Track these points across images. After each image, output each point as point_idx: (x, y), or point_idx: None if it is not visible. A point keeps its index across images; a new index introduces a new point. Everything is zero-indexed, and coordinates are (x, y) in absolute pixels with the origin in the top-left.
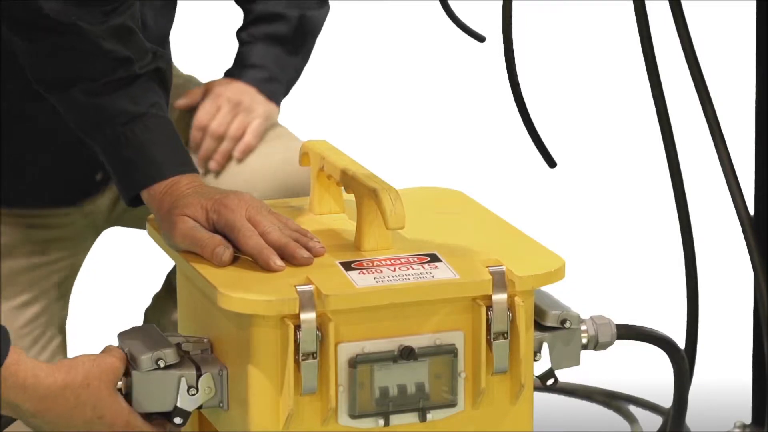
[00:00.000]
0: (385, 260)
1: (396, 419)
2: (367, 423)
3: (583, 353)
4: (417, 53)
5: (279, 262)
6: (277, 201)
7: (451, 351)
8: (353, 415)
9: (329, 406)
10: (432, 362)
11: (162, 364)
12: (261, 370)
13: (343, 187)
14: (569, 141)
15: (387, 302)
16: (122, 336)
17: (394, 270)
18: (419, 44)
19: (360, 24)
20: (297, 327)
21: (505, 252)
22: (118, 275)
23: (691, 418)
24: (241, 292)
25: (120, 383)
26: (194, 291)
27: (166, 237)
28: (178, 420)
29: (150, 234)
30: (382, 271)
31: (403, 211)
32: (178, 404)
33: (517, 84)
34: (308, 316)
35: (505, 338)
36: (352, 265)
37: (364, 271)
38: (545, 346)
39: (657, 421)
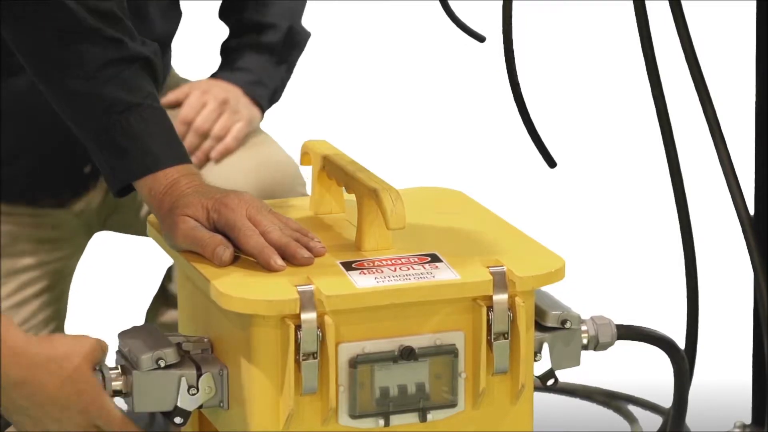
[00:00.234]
0: (386, 260)
1: (396, 419)
2: (367, 423)
3: (583, 353)
4: (417, 53)
5: (280, 262)
6: (278, 201)
7: (451, 351)
8: (353, 415)
9: (329, 406)
10: (432, 362)
11: (162, 363)
12: (261, 370)
13: (343, 187)
14: (569, 141)
15: (387, 302)
16: (122, 335)
17: (395, 270)
18: (419, 44)
19: (360, 24)
20: (297, 327)
21: (505, 252)
22: (119, 275)
23: (691, 418)
24: (241, 292)
25: (120, 383)
26: (195, 291)
27: (167, 237)
28: (178, 420)
29: (150, 234)
30: (382, 271)
31: (403, 211)
32: (179, 404)
33: (517, 84)
34: (309, 316)
35: (505, 338)
36: (353, 265)
37: (365, 271)
38: (545, 347)
39: (657, 421)
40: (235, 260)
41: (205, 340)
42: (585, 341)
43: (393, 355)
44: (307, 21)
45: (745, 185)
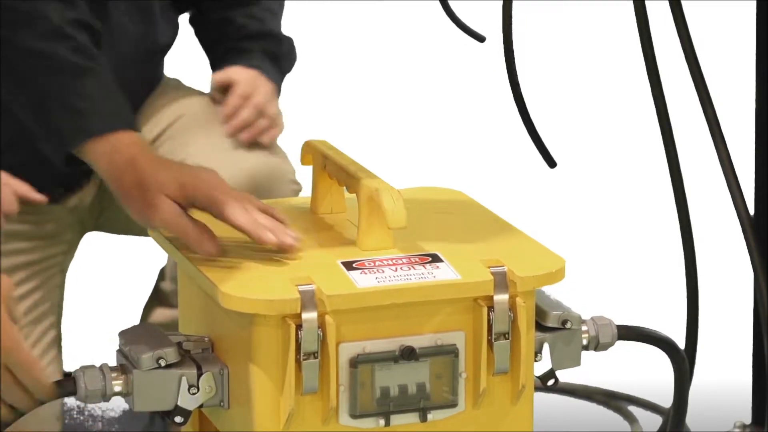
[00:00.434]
0: (387, 260)
1: (397, 419)
2: (367, 423)
3: (584, 353)
4: (417, 53)
5: (273, 238)
6: (278, 200)
7: (452, 351)
8: (354, 415)
9: (330, 405)
10: (433, 362)
11: (163, 363)
12: (262, 369)
13: (344, 187)
14: (569, 141)
15: (388, 302)
16: (123, 335)
17: (396, 270)
18: (419, 44)
19: (360, 24)
20: (298, 327)
21: (506, 252)
22: (117, 275)
23: (691, 418)
24: (242, 291)
25: (120, 382)
26: (195, 290)
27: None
28: (178, 419)
29: (150, 233)
30: (383, 271)
31: (404, 211)
32: (179, 403)
33: (517, 84)
34: (309, 316)
35: (506, 339)
36: (354, 265)
37: (366, 271)
38: (546, 347)
39: (657, 421)
40: (236, 260)
41: (206, 339)
42: (585, 341)
43: (394, 354)
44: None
45: (745, 185)
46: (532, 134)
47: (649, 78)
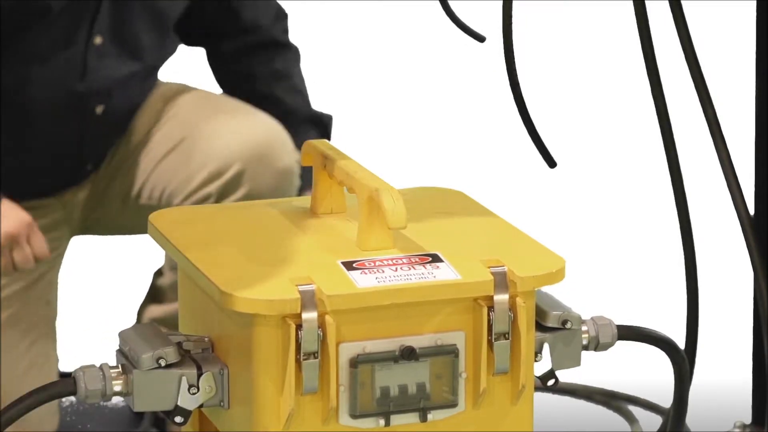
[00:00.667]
0: (387, 260)
1: (397, 419)
2: (367, 423)
3: (584, 353)
4: (417, 53)
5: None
6: (278, 200)
7: (452, 351)
8: (354, 415)
9: (330, 405)
10: (433, 362)
11: (163, 362)
12: (262, 369)
13: (345, 187)
14: (569, 141)
15: (388, 302)
16: (123, 334)
17: (396, 270)
18: (419, 44)
19: (360, 24)
20: (298, 326)
21: (506, 252)
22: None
23: (691, 418)
24: (242, 291)
25: (120, 382)
26: (195, 290)
27: None
28: (178, 419)
29: (150, 233)
30: (383, 271)
31: (404, 211)
32: (179, 403)
33: (517, 84)
34: (309, 316)
35: (506, 339)
36: (354, 265)
37: (366, 271)
38: (546, 347)
39: (657, 421)
40: (236, 260)
41: (206, 339)
42: (585, 342)
43: (394, 354)
44: (308, 21)
45: (745, 185)
46: (532, 134)
47: (649, 78)
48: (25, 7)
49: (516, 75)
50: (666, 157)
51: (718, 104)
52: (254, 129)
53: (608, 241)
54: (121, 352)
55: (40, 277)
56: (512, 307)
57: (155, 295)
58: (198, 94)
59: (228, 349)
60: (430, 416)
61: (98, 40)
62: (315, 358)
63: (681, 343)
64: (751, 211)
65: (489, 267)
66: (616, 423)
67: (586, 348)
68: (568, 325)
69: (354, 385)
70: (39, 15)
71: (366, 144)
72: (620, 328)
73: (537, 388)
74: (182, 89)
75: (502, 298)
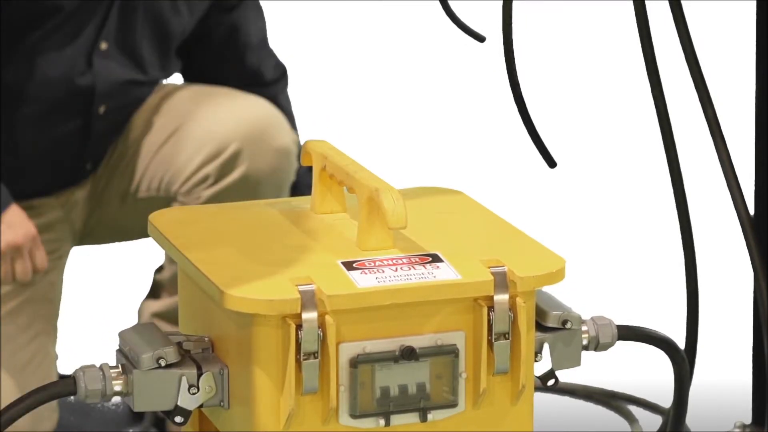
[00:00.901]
0: (387, 260)
1: (397, 419)
2: (367, 423)
3: (584, 353)
4: (417, 53)
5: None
6: (278, 200)
7: (452, 351)
8: (354, 415)
9: (330, 405)
10: (433, 362)
11: (163, 362)
12: (262, 369)
13: (345, 187)
14: (569, 141)
15: (388, 302)
16: (122, 334)
17: (396, 270)
18: (419, 44)
19: (360, 24)
20: (298, 327)
21: (506, 252)
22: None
23: (691, 418)
24: (242, 291)
25: (120, 382)
26: (195, 290)
27: None
28: (178, 419)
29: (150, 233)
30: (383, 271)
31: (404, 211)
32: (179, 403)
33: (517, 84)
34: (309, 316)
35: (506, 339)
36: (354, 265)
37: (366, 271)
38: (546, 347)
39: (657, 421)
40: (236, 259)
41: (206, 339)
42: (585, 342)
43: (394, 355)
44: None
45: (745, 185)
46: (532, 134)
47: (649, 78)
48: (38, 6)
49: (516, 75)
50: (666, 157)
51: (718, 104)
52: (250, 110)
53: (608, 241)
54: (121, 352)
55: (41, 277)
56: (512, 307)
57: (155, 290)
58: (193, 88)
59: (228, 349)
60: (430, 416)
61: (104, 45)
62: (315, 358)
63: (681, 343)
64: (751, 211)
65: (489, 267)
66: (616, 423)
67: (586, 348)
68: (568, 325)
69: (354, 385)
70: (50, 14)
71: (366, 144)
72: (620, 328)
73: (537, 388)
74: (179, 86)
75: (502, 298)
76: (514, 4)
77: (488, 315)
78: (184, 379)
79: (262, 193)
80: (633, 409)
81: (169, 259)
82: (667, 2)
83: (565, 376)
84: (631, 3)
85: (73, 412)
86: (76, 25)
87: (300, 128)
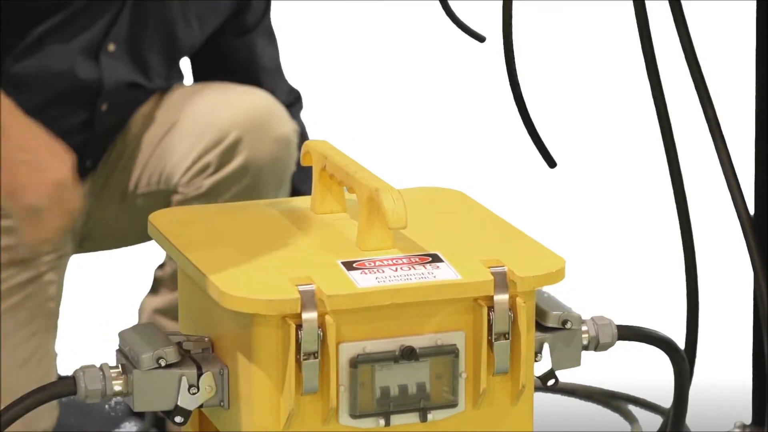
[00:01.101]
0: (387, 260)
1: (397, 419)
2: (367, 423)
3: (584, 353)
4: (417, 53)
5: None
6: (278, 200)
7: (452, 351)
8: (354, 415)
9: (330, 405)
10: (433, 362)
11: (163, 362)
12: (262, 369)
13: (345, 187)
14: (569, 141)
15: (388, 302)
16: (122, 334)
17: (396, 270)
18: (419, 44)
19: (360, 24)
20: (298, 326)
21: (506, 252)
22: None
23: (691, 418)
24: (242, 291)
25: (120, 382)
26: (195, 289)
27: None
28: (178, 419)
29: (150, 232)
30: (383, 271)
31: (404, 211)
32: (179, 403)
33: (517, 84)
34: (309, 316)
35: (506, 339)
36: (354, 265)
37: (366, 271)
38: (546, 347)
39: (657, 421)
40: (236, 259)
41: (206, 339)
42: (585, 342)
43: (394, 355)
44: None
45: (745, 185)
46: (532, 134)
47: (649, 78)
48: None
49: (516, 75)
50: (666, 157)
51: (718, 104)
52: (249, 99)
53: (608, 241)
54: (121, 352)
55: (41, 276)
56: (512, 307)
57: (157, 287)
58: (192, 85)
59: (228, 349)
60: (430, 416)
61: (112, 47)
62: (315, 358)
63: (681, 343)
64: (751, 211)
65: (489, 267)
66: (616, 423)
67: (586, 348)
68: (568, 325)
69: (354, 385)
70: (57, 7)
71: (366, 144)
72: (620, 328)
73: (537, 388)
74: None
75: (502, 298)
76: (514, 4)
77: (488, 315)
78: (184, 379)
79: (263, 182)
80: (633, 409)
81: (170, 256)
82: (667, 2)
83: (565, 376)
84: (631, 3)
85: (73, 412)
86: (84, 22)
87: None
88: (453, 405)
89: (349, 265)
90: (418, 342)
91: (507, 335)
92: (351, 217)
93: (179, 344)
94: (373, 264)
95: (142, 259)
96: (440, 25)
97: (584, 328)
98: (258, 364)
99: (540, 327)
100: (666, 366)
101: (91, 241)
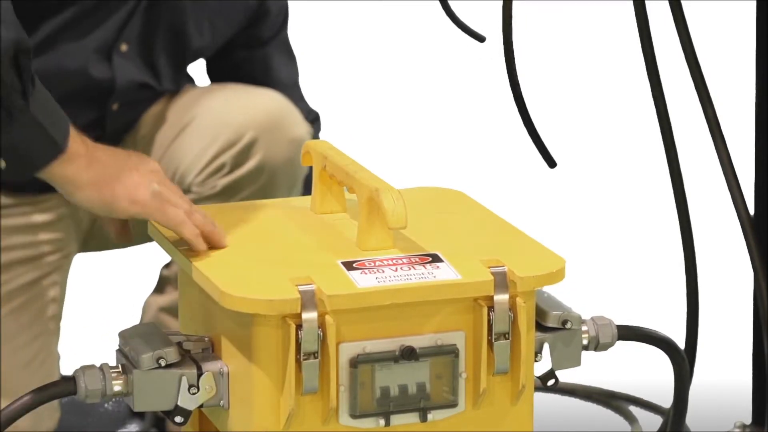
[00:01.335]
0: (387, 260)
1: (397, 419)
2: (367, 423)
3: (584, 353)
4: (417, 53)
5: (205, 247)
6: (278, 200)
7: (452, 351)
8: (354, 415)
9: (330, 405)
10: (433, 362)
11: (163, 362)
12: (262, 369)
13: (345, 187)
14: (569, 141)
15: (388, 302)
16: (123, 334)
17: (396, 270)
18: (419, 44)
19: (360, 24)
20: (298, 326)
21: (506, 252)
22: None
23: (691, 418)
24: (242, 291)
25: (120, 382)
26: (195, 289)
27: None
28: (178, 419)
29: (151, 232)
30: (383, 271)
31: (404, 211)
32: (179, 403)
33: (517, 84)
34: (310, 316)
35: (506, 339)
36: (354, 265)
37: (366, 271)
38: (546, 347)
39: (657, 421)
40: (236, 259)
41: (206, 339)
42: (585, 342)
43: (394, 354)
44: (308, 20)
45: (745, 185)
46: (532, 134)
47: (649, 78)
48: None
49: (516, 75)
50: (666, 157)
51: (718, 104)
52: (265, 100)
53: (608, 241)
54: (121, 352)
55: (45, 276)
56: (512, 307)
57: (162, 285)
58: (206, 86)
59: (228, 349)
60: (430, 416)
61: (124, 47)
62: (315, 358)
63: (681, 343)
64: (751, 211)
65: (489, 267)
66: (616, 423)
67: (586, 348)
68: (568, 325)
69: (354, 385)
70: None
71: (366, 144)
72: (620, 328)
73: (537, 388)
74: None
75: (502, 298)
76: (514, 4)
77: (488, 315)
78: (184, 379)
79: (277, 183)
80: (633, 409)
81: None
82: (667, 2)
83: (565, 376)
84: (631, 3)
85: (73, 412)
86: (96, 21)
87: None
88: (453, 405)
89: (349, 265)
90: (418, 342)
91: (507, 335)
92: (351, 217)
93: (179, 344)
94: (373, 264)
95: (143, 260)
96: (440, 25)
97: (584, 328)
98: (258, 364)
99: (540, 327)
100: (666, 366)
101: (95, 240)
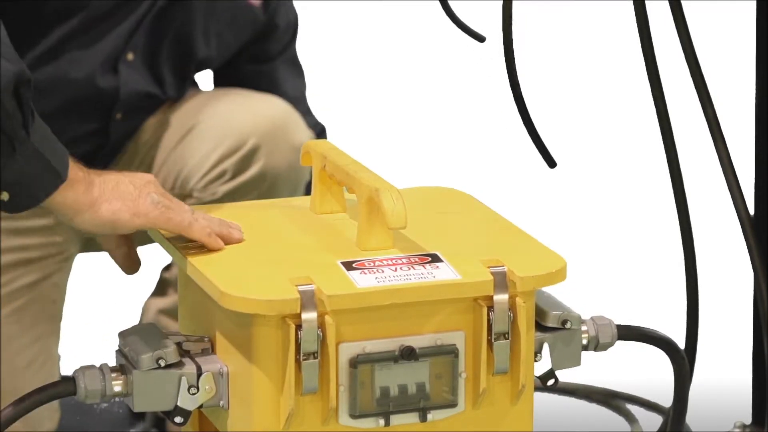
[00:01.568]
0: (387, 260)
1: (396, 419)
2: (367, 423)
3: (584, 353)
4: (417, 53)
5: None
6: (278, 200)
7: (452, 351)
8: (354, 415)
9: (330, 405)
10: (433, 362)
11: (162, 363)
12: (262, 369)
13: (344, 187)
14: (569, 141)
15: (388, 302)
16: (123, 335)
17: (396, 270)
18: (419, 44)
19: (360, 24)
20: (298, 327)
21: (506, 252)
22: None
23: (691, 418)
24: (242, 291)
25: (120, 382)
26: (195, 290)
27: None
28: (178, 419)
29: (151, 233)
30: (383, 271)
31: (404, 211)
32: (179, 403)
33: (517, 84)
34: (309, 316)
35: (506, 339)
36: (354, 265)
37: (366, 271)
38: (546, 347)
39: (657, 421)
40: (236, 259)
41: (206, 339)
42: (585, 342)
43: (393, 354)
44: (308, 20)
45: (745, 185)
46: (532, 134)
47: (649, 78)
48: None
49: (516, 75)
50: (666, 157)
51: (718, 104)
52: (268, 107)
53: (608, 241)
54: (120, 353)
55: (46, 278)
56: (512, 307)
57: (162, 287)
58: (209, 91)
59: (228, 349)
60: (430, 416)
61: (130, 56)
62: (315, 358)
63: (681, 343)
64: (751, 211)
65: (489, 267)
66: (616, 423)
67: (586, 348)
68: (568, 325)
69: (354, 385)
70: (74, 11)
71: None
72: (620, 328)
73: (537, 388)
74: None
75: (502, 298)
76: (514, 4)
77: (488, 315)
78: (183, 379)
79: (278, 190)
80: (633, 409)
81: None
82: (667, 2)
83: (565, 376)
84: (631, 3)
85: (73, 412)
86: (103, 29)
87: None
88: (453, 405)
89: (348, 265)
90: (417, 342)
91: (507, 335)
92: (351, 217)
93: (179, 344)
94: (372, 264)
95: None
96: (440, 25)
97: (584, 328)
98: (258, 364)
99: (540, 327)
100: (666, 366)
101: (96, 242)
